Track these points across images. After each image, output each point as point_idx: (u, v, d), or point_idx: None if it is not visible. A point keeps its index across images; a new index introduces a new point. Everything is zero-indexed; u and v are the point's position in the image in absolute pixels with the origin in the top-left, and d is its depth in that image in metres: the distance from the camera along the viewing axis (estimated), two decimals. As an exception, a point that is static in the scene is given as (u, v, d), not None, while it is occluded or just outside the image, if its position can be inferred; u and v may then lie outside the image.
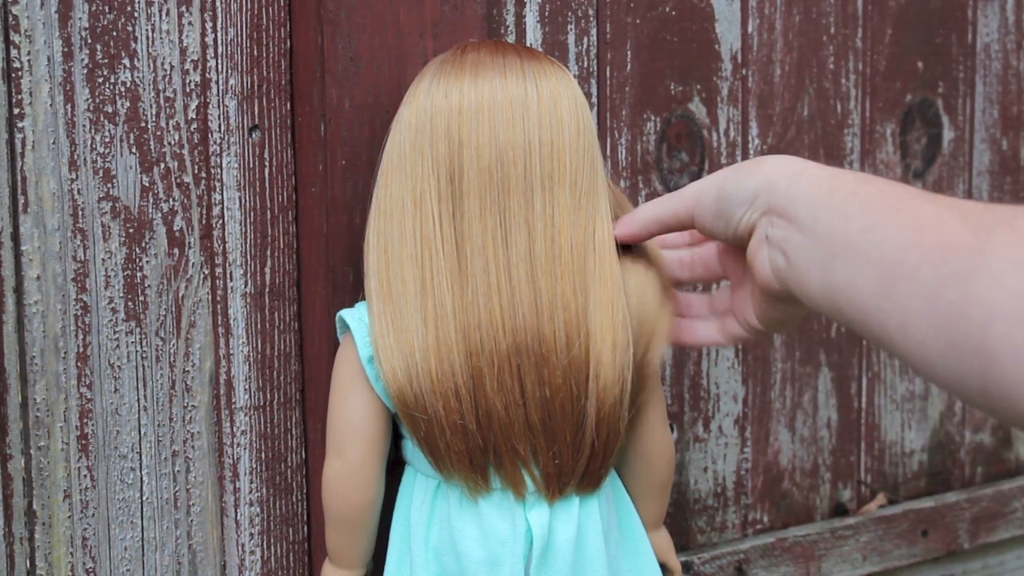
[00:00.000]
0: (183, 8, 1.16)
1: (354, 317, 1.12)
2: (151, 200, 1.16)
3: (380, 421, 1.12)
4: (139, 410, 1.18)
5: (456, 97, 1.06)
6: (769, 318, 0.98)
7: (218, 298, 1.20)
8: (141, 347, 1.17)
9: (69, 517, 1.16)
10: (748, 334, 1.03)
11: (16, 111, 1.10)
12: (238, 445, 1.22)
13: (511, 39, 1.30)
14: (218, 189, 1.18)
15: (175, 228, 1.17)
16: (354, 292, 1.20)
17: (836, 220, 0.82)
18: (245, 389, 1.21)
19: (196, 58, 1.17)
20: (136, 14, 1.14)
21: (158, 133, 1.16)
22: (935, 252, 0.74)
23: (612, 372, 1.07)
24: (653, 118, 1.39)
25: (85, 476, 1.16)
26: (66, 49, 1.11)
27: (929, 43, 1.57)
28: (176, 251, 1.18)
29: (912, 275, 0.75)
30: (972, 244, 0.72)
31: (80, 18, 1.11)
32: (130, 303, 1.16)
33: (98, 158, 1.13)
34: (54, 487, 1.15)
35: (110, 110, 1.13)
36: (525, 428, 1.07)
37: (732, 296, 1.04)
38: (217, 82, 1.17)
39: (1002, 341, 0.68)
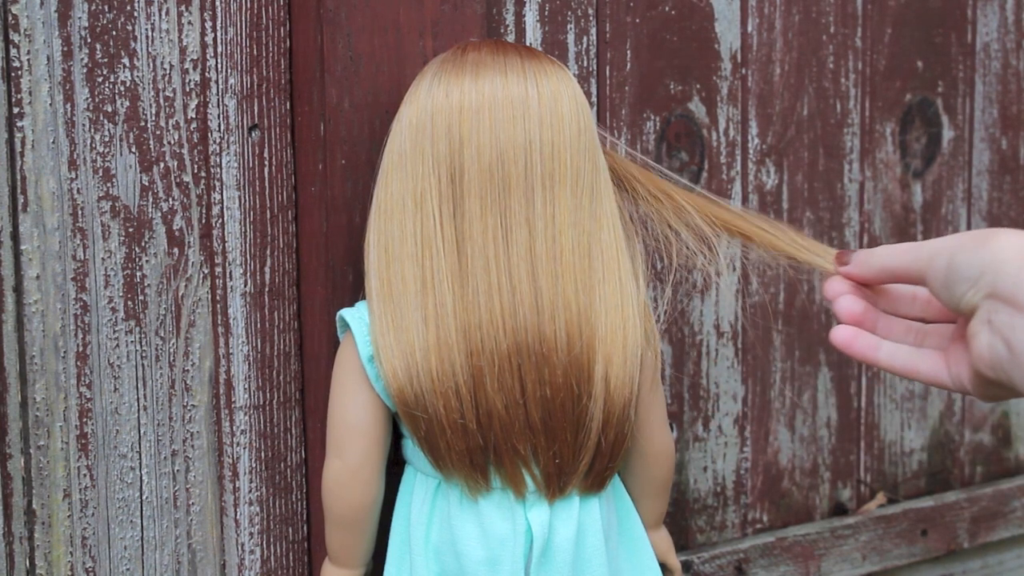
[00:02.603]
0: (183, 7, 1.15)
1: (354, 316, 1.12)
2: (151, 199, 1.16)
3: (380, 420, 1.12)
4: (139, 409, 1.18)
5: (457, 96, 1.06)
6: (982, 393, 0.88)
7: (218, 297, 1.20)
8: (141, 346, 1.17)
9: (69, 516, 1.16)
10: (955, 388, 0.91)
11: (16, 110, 1.10)
12: (238, 444, 1.22)
13: (511, 39, 1.30)
14: (218, 188, 1.18)
15: (175, 227, 1.17)
16: (354, 291, 1.19)
17: None
18: (245, 388, 1.21)
19: (196, 57, 1.17)
20: (136, 13, 1.14)
21: (158, 132, 1.16)
22: None
23: (623, 372, 1.07)
24: (653, 117, 1.39)
25: (85, 475, 1.16)
26: (66, 48, 1.11)
27: (929, 43, 1.57)
28: (176, 250, 1.17)
29: None
30: None
31: (80, 17, 1.11)
32: (130, 302, 1.16)
33: (98, 157, 1.13)
34: (54, 486, 1.15)
35: (110, 109, 1.13)
36: (525, 427, 1.07)
37: (950, 348, 0.91)
38: (217, 81, 1.17)
39: None
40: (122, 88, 1.14)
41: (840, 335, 0.91)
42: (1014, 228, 1.71)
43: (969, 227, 1.63)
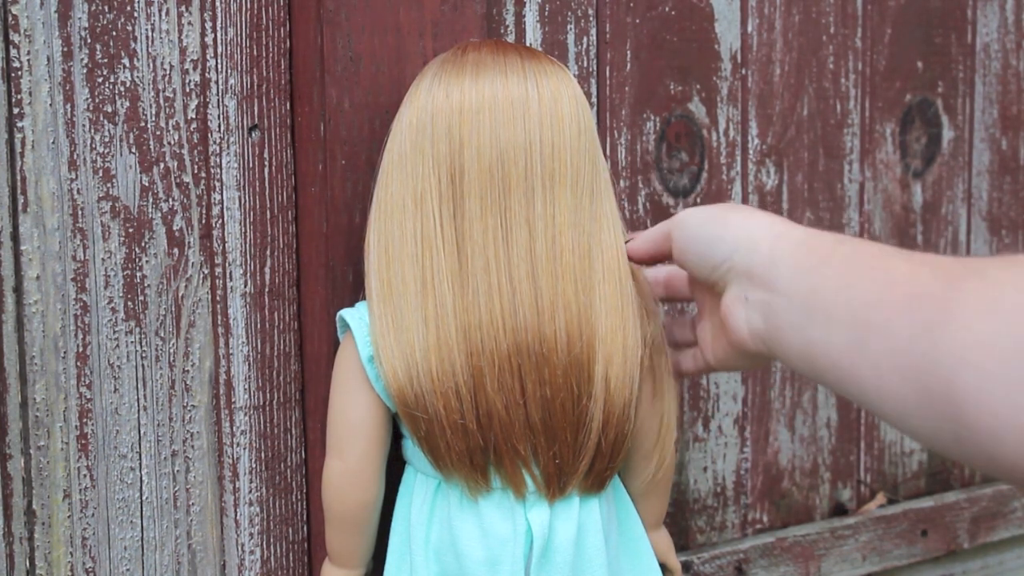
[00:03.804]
0: (183, 8, 1.15)
1: (355, 317, 1.12)
2: (151, 200, 1.16)
3: (380, 421, 1.12)
4: (139, 410, 1.18)
5: (457, 97, 1.06)
6: (728, 363, 0.99)
7: (218, 298, 1.20)
8: (141, 347, 1.17)
9: (69, 517, 1.16)
10: (703, 366, 1.05)
11: (16, 111, 1.10)
12: (238, 445, 1.22)
13: (511, 39, 1.30)
14: (218, 189, 1.18)
15: (175, 228, 1.17)
16: (354, 292, 1.19)
17: (815, 281, 0.82)
18: (245, 389, 1.21)
19: (196, 58, 1.17)
20: (136, 14, 1.14)
21: (158, 133, 1.16)
22: (905, 305, 0.74)
23: (623, 372, 1.07)
24: (653, 118, 1.39)
25: (85, 476, 1.16)
26: (66, 49, 1.11)
27: (929, 43, 1.57)
28: (176, 251, 1.18)
29: (884, 329, 0.75)
30: (941, 294, 0.72)
31: (80, 18, 1.11)
32: (130, 303, 1.16)
33: (98, 158, 1.13)
34: (54, 487, 1.15)
35: (110, 110, 1.13)
36: (525, 428, 1.07)
37: (697, 326, 1.05)
38: (217, 82, 1.17)
39: (971, 388, 0.67)
40: (122, 88, 1.14)
41: None
42: (1010, 228, 1.71)
43: (969, 227, 1.63)
